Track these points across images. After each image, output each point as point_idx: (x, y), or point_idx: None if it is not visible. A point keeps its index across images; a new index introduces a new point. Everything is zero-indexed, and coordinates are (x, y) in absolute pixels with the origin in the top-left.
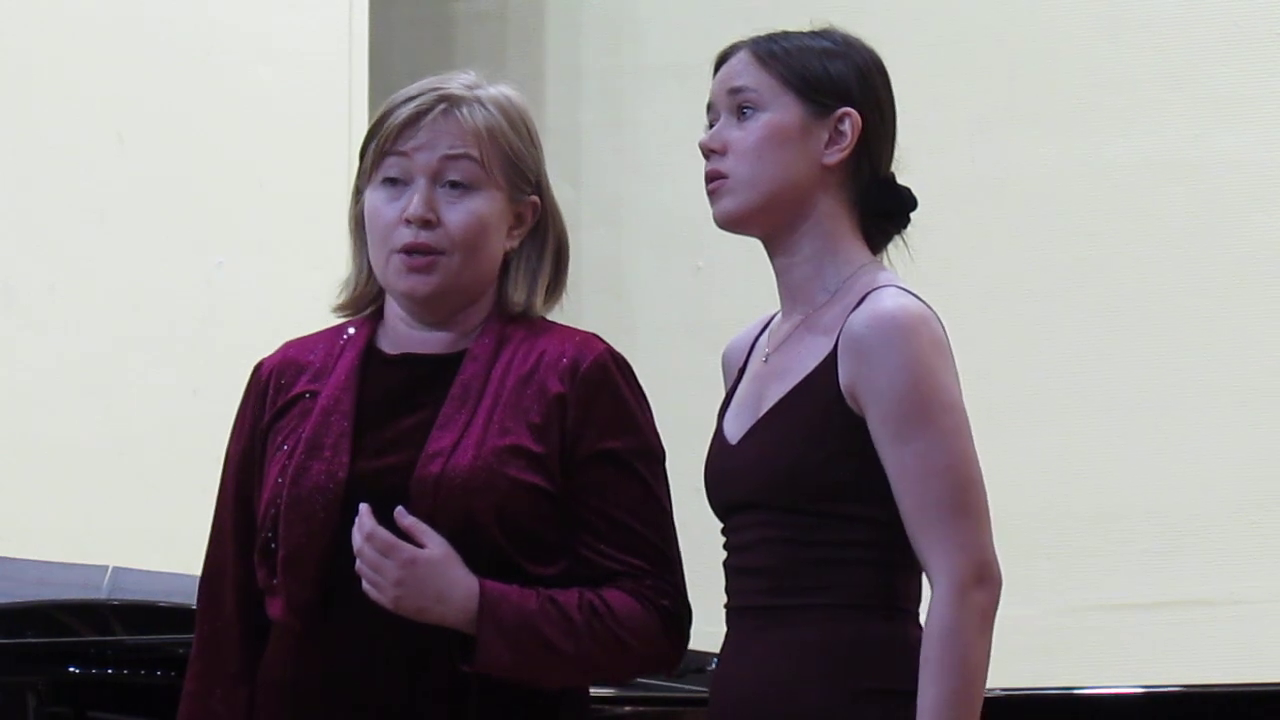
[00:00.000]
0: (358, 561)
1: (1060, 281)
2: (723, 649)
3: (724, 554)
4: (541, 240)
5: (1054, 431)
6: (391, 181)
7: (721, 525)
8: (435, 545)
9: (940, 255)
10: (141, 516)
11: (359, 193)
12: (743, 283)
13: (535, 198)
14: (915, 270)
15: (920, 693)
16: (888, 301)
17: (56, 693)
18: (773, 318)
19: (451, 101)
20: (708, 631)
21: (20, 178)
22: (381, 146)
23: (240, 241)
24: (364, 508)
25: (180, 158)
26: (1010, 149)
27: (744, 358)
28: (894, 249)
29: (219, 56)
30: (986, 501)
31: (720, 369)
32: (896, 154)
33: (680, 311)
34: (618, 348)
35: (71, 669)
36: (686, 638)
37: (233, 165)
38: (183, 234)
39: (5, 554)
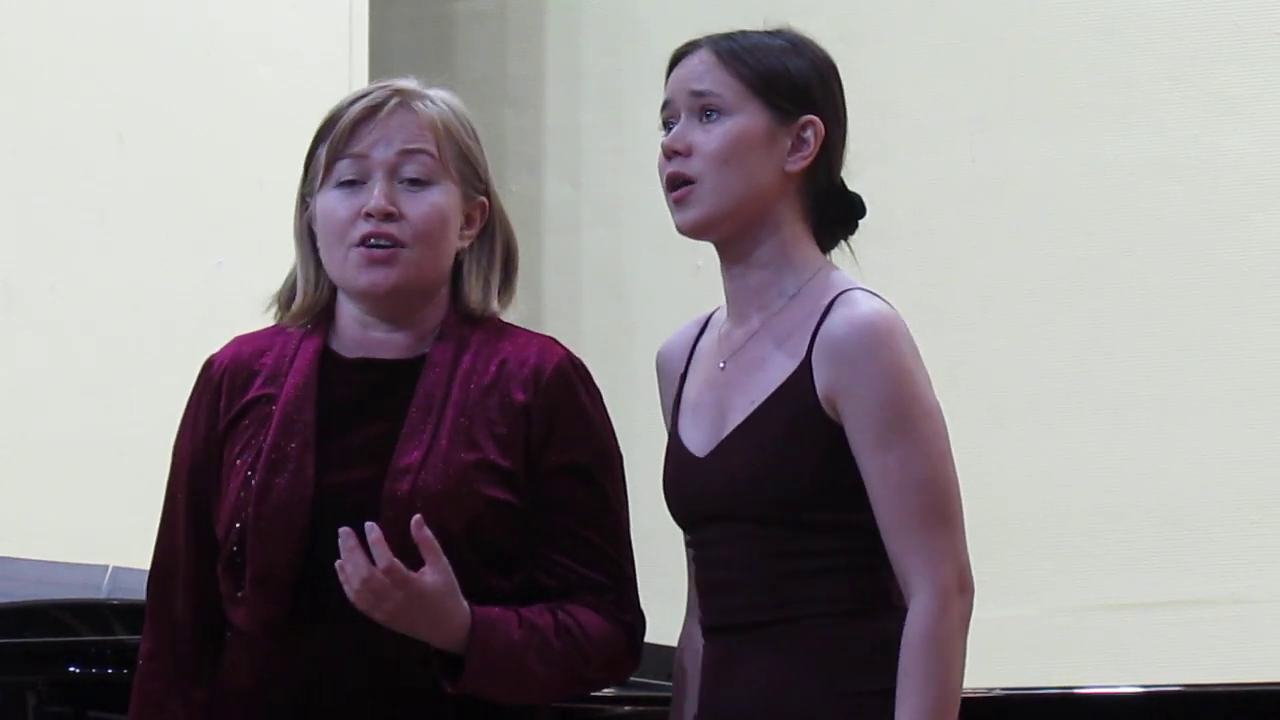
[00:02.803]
0: (355, 582)
1: (1060, 281)
2: (704, 668)
3: (692, 566)
4: (490, 242)
5: (1054, 431)
6: (348, 183)
7: (687, 537)
8: (440, 571)
9: (940, 255)
10: (141, 516)
11: (304, 200)
12: None
13: (485, 199)
14: (916, 270)
15: (901, 699)
16: (862, 306)
17: (56, 693)
18: (707, 320)
19: (405, 95)
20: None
21: (20, 178)
22: (335, 149)
23: (240, 241)
24: (376, 534)
25: (180, 158)
26: (1010, 149)
27: (684, 362)
28: (839, 251)
29: (219, 56)
30: (961, 509)
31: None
32: (901, 156)
33: (680, 311)
34: (618, 348)
35: (71, 669)
36: (642, 649)
37: (233, 165)
38: (183, 234)
39: (5, 554)
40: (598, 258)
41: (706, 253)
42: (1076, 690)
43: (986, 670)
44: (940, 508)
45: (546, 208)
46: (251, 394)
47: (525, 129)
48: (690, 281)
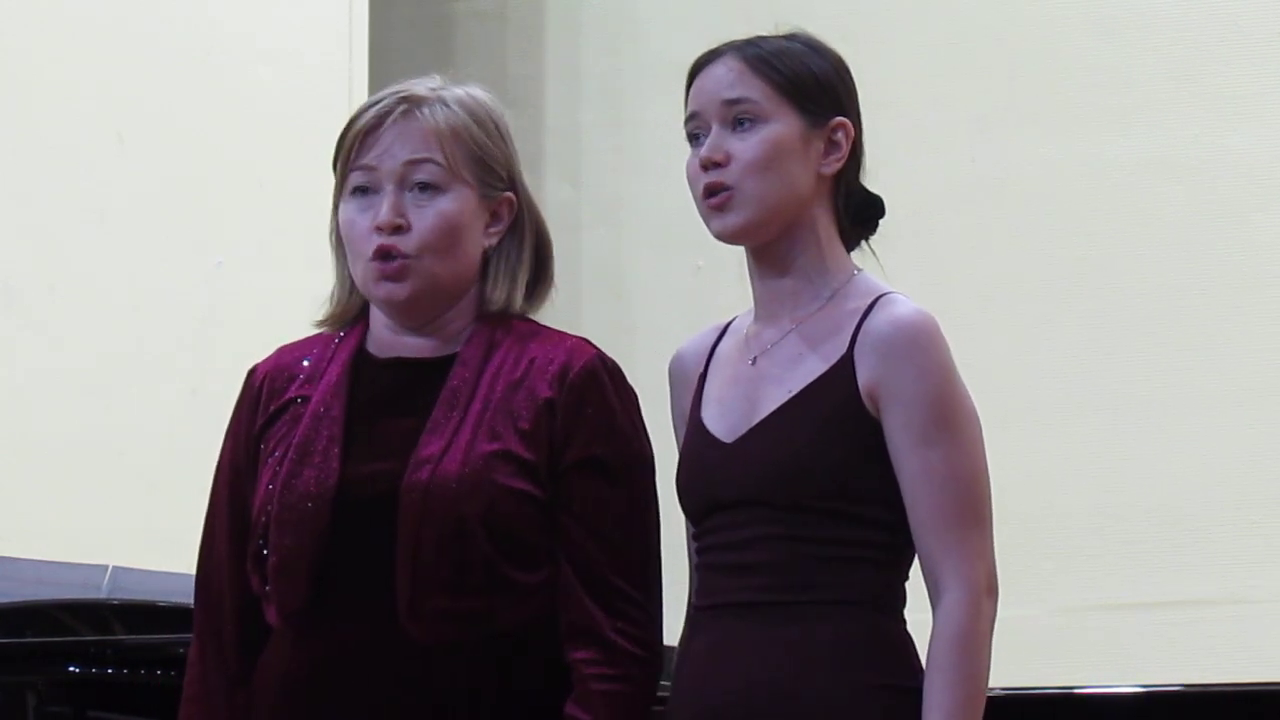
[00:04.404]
0: None
1: (1060, 281)
2: (695, 646)
3: (699, 555)
4: (520, 237)
5: (1054, 431)
6: (361, 191)
7: (696, 527)
8: None
9: (940, 255)
10: (141, 516)
11: (336, 208)
12: (743, 283)
13: (510, 194)
14: (916, 270)
15: (931, 697)
16: (906, 306)
17: (56, 693)
18: (726, 326)
19: (412, 103)
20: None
21: (20, 178)
22: (347, 159)
23: (240, 241)
24: None
25: (180, 158)
26: (1010, 149)
27: (703, 364)
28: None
29: (219, 56)
30: (993, 513)
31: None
32: (901, 156)
33: (680, 311)
34: (618, 348)
35: (71, 669)
36: (659, 657)
37: (233, 165)
38: (183, 234)
39: (5, 554)
40: (598, 258)
41: (707, 253)
42: (1076, 690)
43: None
44: (977, 509)
45: (546, 208)
46: (288, 395)
47: (525, 129)
48: (690, 281)
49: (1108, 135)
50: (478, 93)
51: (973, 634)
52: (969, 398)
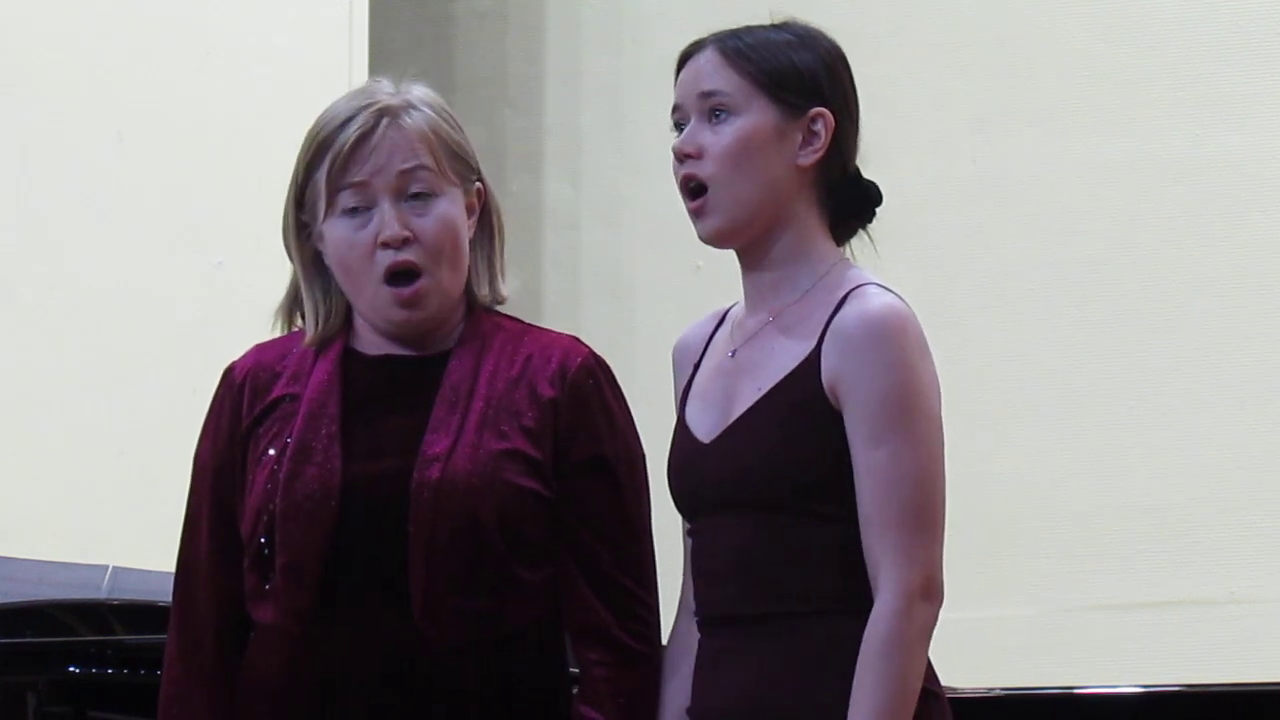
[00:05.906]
0: None
1: (1060, 281)
2: (700, 658)
3: (690, 557)
4: (489, 226)
5: (1054, 431)
6: (352, 211)
7: (688, 525)
8: None
9: (940, 255)
10: (141, 516)
11: (302, 227)
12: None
13: (479, 184)
14: (916, 270)
15: (854, 700)
16: (875, 301)
17: (56, 693)
18: (726, 313)
19: (390, 113)
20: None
21: (20, 177)
22: (334, 180)
23: (240, 241)
24: None
25: (180, 158)
26: (1010, 149)
27: (699, 353)
28: (858, 243)
29: (219, 56)
30: (944, 516)
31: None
32: (901, 156)
33: (680, 311)
34: (618, 348)
35: (71, 669)
36: (658, 654)
37: (233, 165)
38: (182, 234)
39: (5, 554)
40: (598, 257)
41: (707, 253)
42: (1076, 690)
43: (987, 670)
44: (920, 511)
45: (546, 208)
46: (275, 394)
47: (525, 129)
48: (690, 281)
49: (1108, 135)
50: (428, 89)
51: (901, 639)
52: (929, 399)
